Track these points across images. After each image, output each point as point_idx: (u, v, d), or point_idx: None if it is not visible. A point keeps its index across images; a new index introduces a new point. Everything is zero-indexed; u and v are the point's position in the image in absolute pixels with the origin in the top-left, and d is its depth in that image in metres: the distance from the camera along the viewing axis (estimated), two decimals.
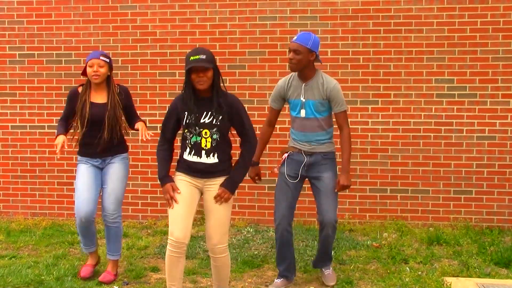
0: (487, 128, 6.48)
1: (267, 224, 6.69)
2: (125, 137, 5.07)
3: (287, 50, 4.56)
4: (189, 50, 4.04)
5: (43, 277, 5.00)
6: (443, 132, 6.54)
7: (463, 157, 6.53)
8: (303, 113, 4.62)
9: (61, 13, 6.92)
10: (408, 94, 6.55)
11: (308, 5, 6.62)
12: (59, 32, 6.93)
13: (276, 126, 6.61)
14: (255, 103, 6.69)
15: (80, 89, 4.89)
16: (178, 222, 4.03)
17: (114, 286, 4.89)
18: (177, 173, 4.20)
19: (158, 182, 4.26)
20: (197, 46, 6.67)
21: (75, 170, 5.02)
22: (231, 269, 5.21)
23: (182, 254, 4.06)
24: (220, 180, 4.12)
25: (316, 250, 5.03)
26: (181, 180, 4.14)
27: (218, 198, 4.07)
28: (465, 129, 6.51)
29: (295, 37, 4.52)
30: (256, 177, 4.92)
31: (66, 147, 4.63)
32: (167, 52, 6.80)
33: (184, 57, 4.03)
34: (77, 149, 4.97)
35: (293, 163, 4.71)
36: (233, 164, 4.20)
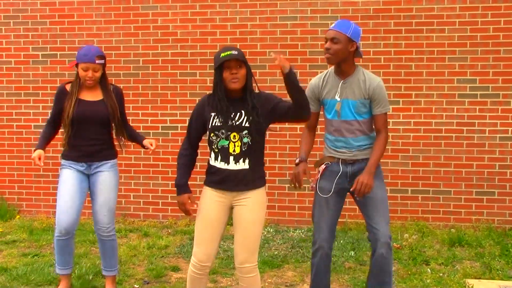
0: (510, 129, 6.41)
1: (288, 224, 6.68)
2: (114, 142, 4.62)
3: (324, 40, 3.93)
4: (217, 50, 3.73)
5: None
6: (465, 132, 6.48)
7: (486, 157, 6.46)
8: (341, 114, 3.97)
9: (83, 14, 6.98)
10: (429, 94, 6.50)
11: (329, 5, 6.60)
12: (81, 33, 7.00)
13: (296, 126, 6.64)
14: None
15: (68, 87, 4.43)
16: (203, 245, 3.73)
17: (135, 285, 4.92)
18: (205, 187, 3.82)
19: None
20: (218, 46, 6.71)
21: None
22: None
23: (205, 275, 3.79)
24: (252, 193, 3.72)
25: (367, 277, 4.19)
26: (207, 196, 3.78)
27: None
28: (487, 129, 6.44)
29: (333, 25, 3.89)
30: (305, 175, 3.96)
31: (42, 163, 4.28)
32: (188, 52, 6.82)
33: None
34: (62, 152, 4.55)
35: (332, 175, 4.01)
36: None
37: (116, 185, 4.57)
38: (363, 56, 4.03)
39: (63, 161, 4.48)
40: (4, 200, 7.17)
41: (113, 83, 4.73)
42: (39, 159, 4.28)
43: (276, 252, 5.73)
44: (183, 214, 4.09)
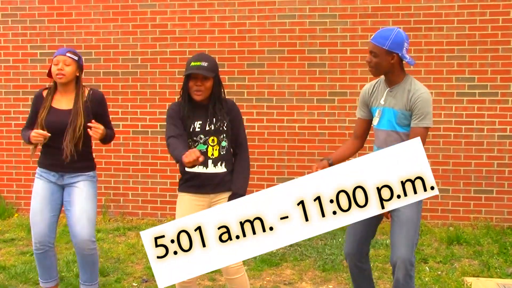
0: (508, 127, 6.42)
1: None
2: (92, 154, 4.33)
3: None
4: (191, 56, 3.78)
5: (63, 274, 5.05)
6: (463, 131, 6.48)
7: (484, 156, 6.47)
8: (380, 123, 3.76)
9: (81, 12, 6.97)
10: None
11: (327, 3, 6.60)
12: (79, 31, 6.99)
13: (295, 124, 6.64)
14: (274, 102, 6.69)
15: (44, 93, 4.21)
16: None
17: (133, 284, 4.92)
18: (181, 193, 3.79)
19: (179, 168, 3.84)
20: (216, 44, 6.71)
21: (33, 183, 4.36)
22: (249, 267, 5.22)
23: (194, 281, 3.78)
24: (228, 194, 3.74)
25: None
26: (185, 201, 3.75)
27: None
28: (486, 128, 6.45)
29: (373, 35, 3.72)
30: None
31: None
32: (186, 50, 6.82)
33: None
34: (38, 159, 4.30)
35: None
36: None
37: (94, 196, 4.24)
38: (414, 63, 3.76)
39: (37, 169, 4.26)
40: (2, 199, 7.17)
41: (93, 87, 4.44)
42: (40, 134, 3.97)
43: (274, 251, 5.74)
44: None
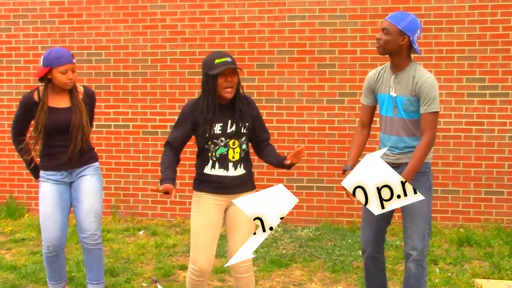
0: None
1: (296, 223, 6.68)
2: (92, 144, 4.40)
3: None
4: (208, 55, 3.72)
5: (73, 274, 5.07)
6: (474, 132, 6.45)
7: (495, 157, 6.43)
8: (386, 109, 3.79)
9: (92, 13, 7.00)
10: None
11: (337, 3, 6.58)
12: (90, 32, 7.02)
13: (304, 125, 6.63)
14: (284, 102, 6.68)
15: (35, 95, 4.18)
16: (203, 250, 3.67)
17: (143, 284, 4.93)
18: (199, 193, 3.78)
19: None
20: (226, 45, 6.71)
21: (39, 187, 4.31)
22: (259, 268, 5.22)
23: (205, 280, 3.77)
24: (246, 195, 3.62)
25: None
26: (205, 201, 3.74)
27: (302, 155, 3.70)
28: (496, 128, 6.41)
29: (390, 14, 3.75)
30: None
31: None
32: (196, 51, 6.82)
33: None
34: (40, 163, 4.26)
35: None
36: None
37: (101, 189, 4.34)
38: (420, 54, 3.81)
39: (42, 173, 4.22)
40: (13, 199, 7.21)
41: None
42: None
43: (284, 251, 5.73)
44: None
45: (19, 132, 4.25)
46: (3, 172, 7.28)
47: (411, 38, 3.64)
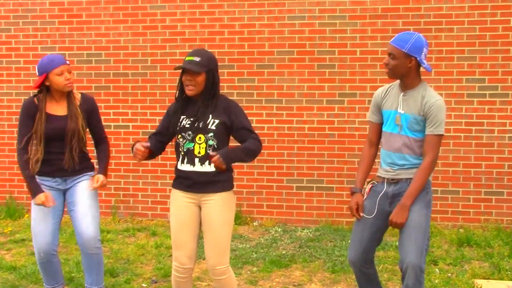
0: None
1: (295, 223, 6.68)
2: (88, 154, 4.31)
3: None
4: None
5: (73, 274, 5.07)
6: (474, 132, 6.45)
7: (495, 157, 6.43)
8: (390, 126, 3.76)
9: (92, 14, 7.00)
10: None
11: (337, 4, 6.59)
12: (90, 32, 7.02)
13: (304, 126, 6.64)
14: (284, 103, 6.68)
15: (36, 100, 4.12)
16: (182, 248, 3.74)
17: (143, 284, 4.93)
18: (173, 190, 3.87)
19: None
20: (226, 45, 6.71)
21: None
22: (258, 268, 5.22)
23: (189, 277, 3.80)
24: (218, 195, 3.70)
25: None
26: (178, 198, 3.81)
27: (211, 158, 3.62)
28: (496, 129, 6.41)
29: (393, 38, 3.72)
30: (356, 207, 3.80)
31: (52, 204, 4.01)
32: None
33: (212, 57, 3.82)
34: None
35: (375, 195, 3.78)
36: (233, 178, 3.86)
37: (96, 195, 4.26)
38: (431, 70, 3.83)
39: (36, 178, 4.13)
40: (13, 199, 7.21)
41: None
42: (49, 201, 4.00)
43: (284, 252, 5.73)
44: None
45: (25, 143, 4.12)
46: (3, 173, 7.29)
47: (418, 59, 3.63)
